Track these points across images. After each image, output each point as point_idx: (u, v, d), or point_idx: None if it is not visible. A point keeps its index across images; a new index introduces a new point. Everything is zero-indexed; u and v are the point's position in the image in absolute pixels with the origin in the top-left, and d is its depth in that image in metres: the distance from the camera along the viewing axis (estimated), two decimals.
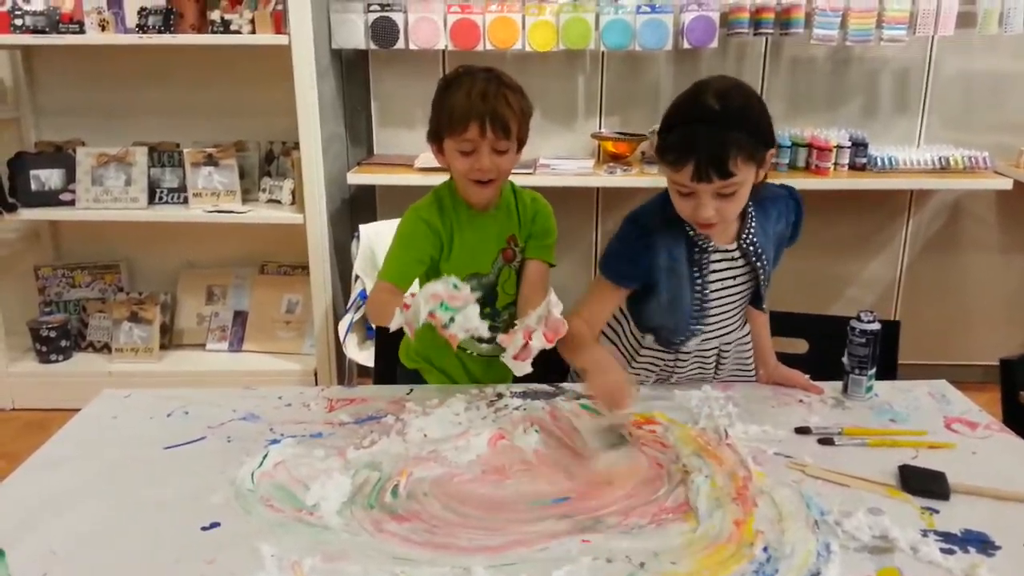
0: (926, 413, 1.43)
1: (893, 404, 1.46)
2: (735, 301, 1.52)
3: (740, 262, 1.47)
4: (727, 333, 1.55)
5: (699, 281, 1.45)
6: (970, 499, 1.15)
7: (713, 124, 1.27)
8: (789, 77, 2.99)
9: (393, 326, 1.34)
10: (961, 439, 1.34)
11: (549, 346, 1.30)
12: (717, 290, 1.47)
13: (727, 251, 1.46)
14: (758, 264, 1.46)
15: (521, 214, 1.60)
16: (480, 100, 1.42)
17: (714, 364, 1.58)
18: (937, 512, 1.12)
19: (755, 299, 1.54)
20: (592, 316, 1.47)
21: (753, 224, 1.45)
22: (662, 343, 1.53)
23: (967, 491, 1.17)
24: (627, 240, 1.45)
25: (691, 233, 1.42)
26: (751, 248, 1.45)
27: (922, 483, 1.18)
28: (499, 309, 1.60)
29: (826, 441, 1.32)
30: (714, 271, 1.46)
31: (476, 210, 1.55)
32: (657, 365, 1.57)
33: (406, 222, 1.55)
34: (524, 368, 1.31)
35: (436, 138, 1.51)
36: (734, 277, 1.48)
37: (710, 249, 1.44)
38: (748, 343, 1.62)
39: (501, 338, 1.32)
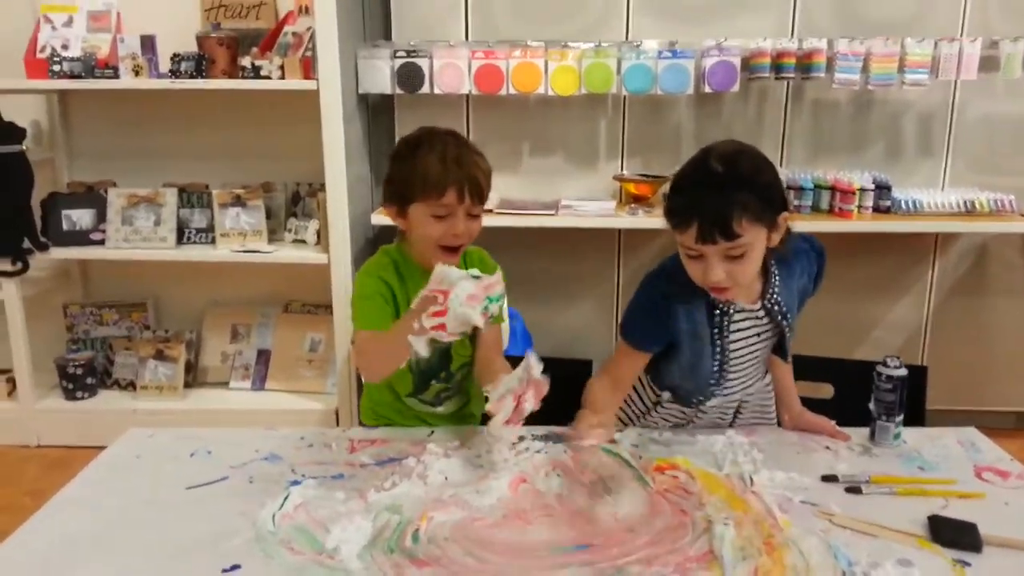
0: (956, 461, 1.40)
1: (922, 452, 1.43)
2: (757, 358, 1.50)
3: (764, 320, 1.46)
4: (748, 387, 1.54)
5: (719, 344, 1.43)
6: (1003, 552, 1.13)
7: (717, 186, 1.28)
8: (811, 120, 3.00)
9: (424, 353, 1.30)
10: (992, 488, 1.31)
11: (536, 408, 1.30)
12: (738, 350, 1.46)
13: (751, 311, 1.44)
14: (783, 322, 1.45)
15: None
16: (456, 165, 1.42)
17: (733, 413, 1.57)
18: (969, 565, 1.10)
19: (778, 350, 1.53)
20: (619, 378, 1.47)
21: (777, 284, 1.43)
22: (680, 401, 1.53)
23: (1000, 543, 1.14)
24: (646, 306, 1.43)
25: (711, 298, 1.40)
26: (775, 308, 1.44)
27: (953, 534, 1.15)
28: (453, 371, 1.60)
29: (854, 489, 1.30)
30: (736, 331, 1.44)
31: (429, 271, 1.51)
32: (676, 416, 1.56)
33: (366, 282, 1.50)
34: (511, 431, 1.30)
35: (401, 201, 1.47)
36: (758, 335, 1.47)
37: (732, 311, 1.42)
38: (769, 394, 1.60)
39: (489, 407, 1.30)
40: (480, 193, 1.45)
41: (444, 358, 1.57)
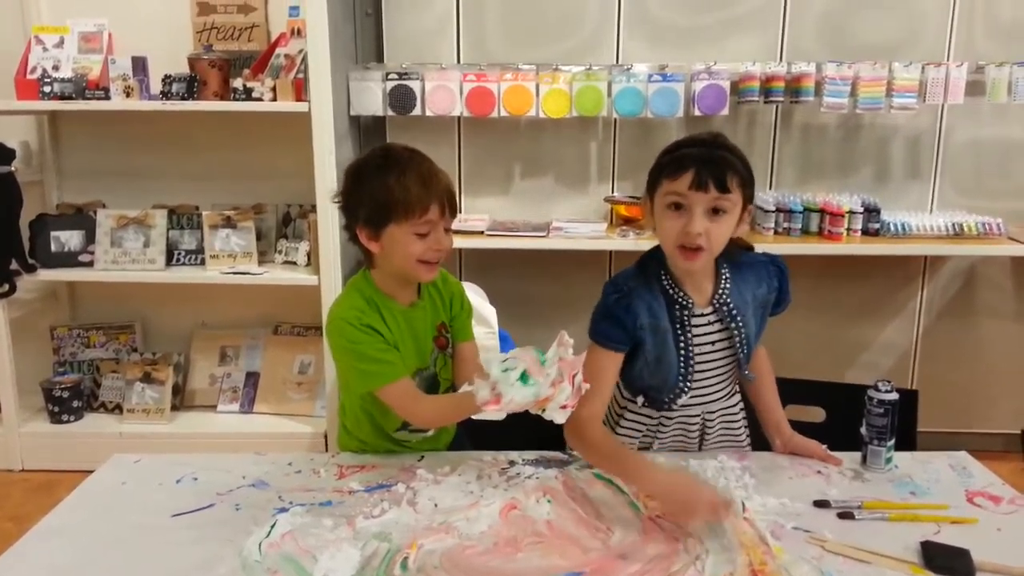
0: (947, 486, 1.40)
1: (913, 476, 1.43)
2: (718, 365, 1.51)
3: (716, 325, 1.48)
4: (711, 401, 1.54)
5: (682, 337, 1.46)
6: None
7: (714, 146, 1.38)
8: (800, 143, 3.02)
9: (493, 410, 1.28)
10: (984, 514, 1.31)
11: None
12: (701, 352, 1.48)
13: (703, 314, 1.47)
14: (733, 326, 1.47)
15: (442, 299, 1.59)
16: (435, 181, 1.43)
17: (698, 434, 1.56)
18: None
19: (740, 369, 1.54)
20: (601, 391, 1.44)
21: (727, 285, 1.47)
22: (652, 404, 1.53)
23: (993, 570, 1.13)
24: (608, 304, 1.46)
25: (670, 292, 1.45)
26: (725, 308, 1.46)
27: (946, 561, 1.15)
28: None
29: (846, 515, 1.29)
30: (697, 331, 1.47)
31: (404, 306, 1.51)
32: (639, 430, 1.55)
33: (351, 336, 1.43)
34: (566, 415, 1.28)
35: (376, 224, 1.43)
36: (712, 343, 1.49)
37: (691, 305, 1.45)
38: (736, 415, 1.60)
39: (548, 391, 1.26)
40: (455, 207, 1.47)
41: (432, 385, 1.57)
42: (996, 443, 3.06)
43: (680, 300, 1.45)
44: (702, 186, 1.34)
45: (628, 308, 1.43)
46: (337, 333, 1.46)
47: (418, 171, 1.42)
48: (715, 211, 1.36)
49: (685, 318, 1.45)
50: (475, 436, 1.68)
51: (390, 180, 1.41)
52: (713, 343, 1.49)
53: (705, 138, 1.41)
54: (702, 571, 1.13)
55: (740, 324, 1.48)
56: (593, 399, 1.38)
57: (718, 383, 1.53)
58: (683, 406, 1.52)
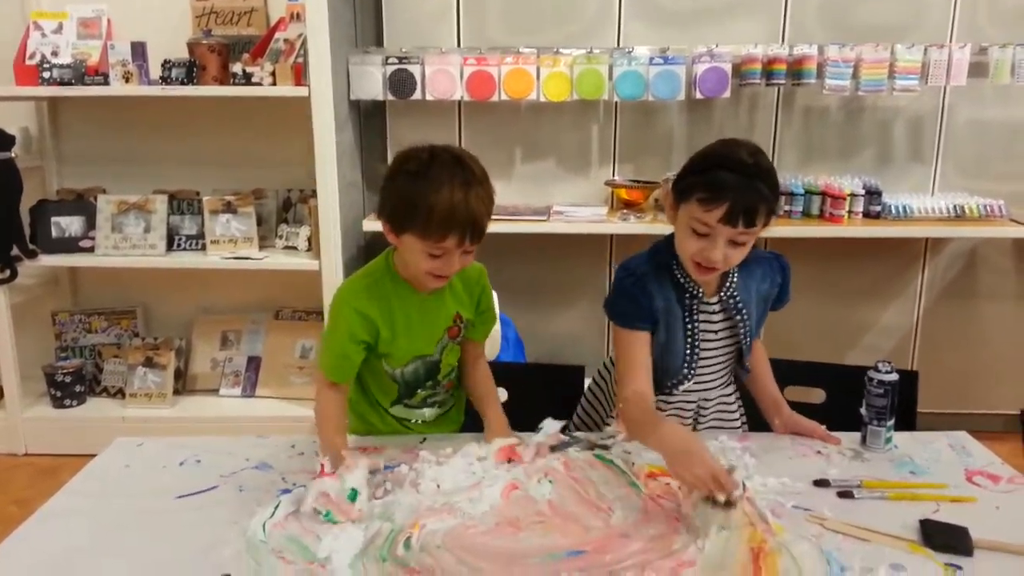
0: (946, 465, 1.41)
1: (913, 456, 1.44)
2: (720, 355, 1.54)
3: (720, 316, 1.51)
4: (710, 388, 1.56)
5: (689, 325, 1.48)
6: (995, 556, 1.13)
7: (752, 176, 1.34)
8: (802, 126, 3.01)
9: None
10: (983, 493, 1.31)
11: None
12: (706, 340, 1.51)
13: (710, 304, 1.49)
14: (739, 319, 1.50)
15: (467, 291, 1.54)
16: (464, 208, 1.32)
17: (692, 420, 1.58)
18: (961, 569, 1.10)
19: (740, 361, 1.57)
20: (638, 369, 1.44)
21: (735, 280, 1.49)
22: (654, 386, 1.53)
23: (991, 547, 1.14)
24: (625, 287, 1.47)
25: (681, 281, 1.46)
26: (731, 302, 1.49)
27: (945, 538, 1.16)
28: (440, 380, 1.59)
29: (845, 494, 1.30)
30: (703, 320, 1.50)
31: (420, 293, 1.48)
32: None
33: (340, 313, 1.45)
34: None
35: (395, 226, 1.38)
36: (716, 332, 1.51)
37: (700, 294, 1.47)
38: (732, 403, 1.63)
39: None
40: (480, 233, 1.37)
41: (431, 370, 1.55)
42: (995, 424, 3.07)
43: (690, 289, 1.47)
44: (731, 222, 1.34)
45: (644, 290, 1.45)
46: (333, 305, 1.48)
47: (450, 194, 1.31)
48: (736, 242, 1.37)
49: (694, 307, 1.48)
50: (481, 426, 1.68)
51: (419, 192, 1.32)
52: (717, 332, 1.51)
53: (744, 161, 1.35)
54: (702, 549, 1.14)
55: (745, 316, 1.50)
56: (634, 378, 1.41)
57: (718, 372, 1.56)
58: (684, 391, 1.54)
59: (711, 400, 1.58)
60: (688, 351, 1.49)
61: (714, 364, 1.54)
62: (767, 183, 1.35)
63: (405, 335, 1.48)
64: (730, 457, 1.41)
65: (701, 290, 1.47)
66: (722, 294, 1.49)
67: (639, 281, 1.46)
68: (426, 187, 1.32)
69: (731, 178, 1.34)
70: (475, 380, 1.60)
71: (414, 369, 1.53)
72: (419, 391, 1.57)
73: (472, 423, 1.64)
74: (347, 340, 1.44)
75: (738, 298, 1.49)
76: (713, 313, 1.50)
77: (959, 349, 3.13)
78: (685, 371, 1.50)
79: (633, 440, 1.40)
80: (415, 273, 1.43)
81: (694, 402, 1.57)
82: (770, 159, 1.41)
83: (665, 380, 1.52)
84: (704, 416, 1.59)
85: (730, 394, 1.62)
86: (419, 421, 1.61)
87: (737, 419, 1.64)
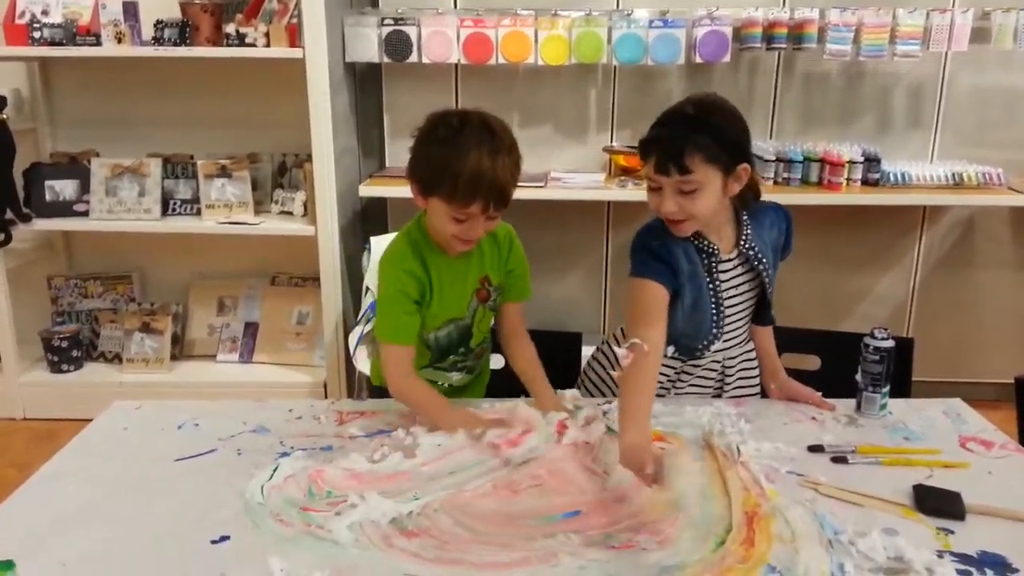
0: (940, 432, 1.42)
1: (907, 422, 1.45)
2: (742, 310, 1.56)
3: (741, 268, 1.52)
4: (733, 346, 1.58)
5: (711, 284, 1.49)
6: (986, 520, 1.14)
7: (679, 124, 1.41)
8: (802, 92, 2.98)
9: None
10: (976, 459, 1.32)
11: None
12: (729, 297, 1.52)
13: (729, 259, 1.51)
14: (760, 268, 1.52)
15: (495, 253, 1.55)
16: (490, 175, 1.34)
17: (719, 381, 1.59)
18: (953, 533, 1.11)
19: (760, 313, 1.58)
20: (658, 323, 1.42)
21: (749, 231, 1.51)
22: (683, 352, 1.55)
23: (983, 512, 1.15)
24: (652, 247, 1.47)
25: (695, 241, 1.48)
26: (751, 253, 1.51)
27: (937, 503, 1.17)
28: (472, 347, 1.60)
29: (839, 459, 1.31)
30: (725, 277, 1.51)
31: (450, 257, 1.50)
32: (659, 382, 1.56)
33: (389, 277, 1.48)
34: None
35: (424, 189, 1.41)
36: (737, 286, 1.53)
37: (717, 251, 1.49)
38: (752, 360, 1.64)
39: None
40: (506, 201, 1.39)
41: (464, 335, 1.57)
42: (989, 392, 3.08)
43: (707, 248, 1.48)
44: (664, 170, 1.39)
45: (670, 252, 1.46)
46: (381, 272, 1.50)
47: (478, 161, 1.34)
48: (683, 191, 1.39)
49: (713, 264, 1.49)
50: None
51: (447, 157, 1.35)
52: (737, 287, 1.53)
53: (678, 111, 1.42)
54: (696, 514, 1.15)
55: (766, 264, 1.52)
56: (647, 325, 1.40)
57: (740, 329, 1.58)
58: (712, 353, 1.55)
59: (735, 358, 1.59)
60: (714, 309, 1.51)
61: (737, 320, 1.56)
62: (702, 128, 1.37)
63: (439, 296, 1.50)
64: (725, 423, 1.42)
65: (717, 247, 1.49)
66: (741, 246, 1.50)
67: (664, 244, 1.47)
68: (454, 153, 1.35)
69: (661, 131, 1.42)
70: (519, 354, 1.57)
71: (447, 333, 1.54)
72: (451, 356, 1.59)
73: (497, 389, 1.66)
74: (404, 299, 1.46)
75: (756, 248, 1.51)
76: (732, 269, 1.52)
77: (955, 318, 3.14)
78: (715, 331, 1.52)
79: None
80: (440, 237, 1.46)
81: (719, 362, 1.58)
82: (728, 108, 1.44)
83: (695, 343, 1.54)
84: (729, 376, 1.60)
85: (751, 350, 1.63)
86: (446, 384, 1.62)
87: (756, 376, 1.65)
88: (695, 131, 1.37)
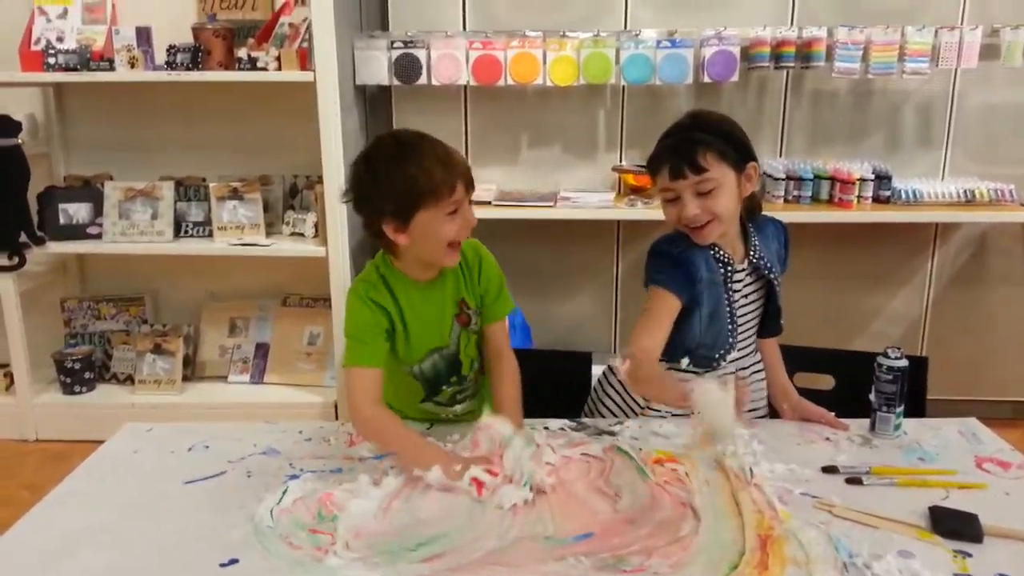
0: (956, 452, 1.40)
1: (922, 443, 1.43)
2: (753, 319, 1.59)
3: (750, 278, 1.56)
4: (745, 356, 1.60)
5: (726, 294, 1.52)
6: (1005, 543, 1.12)
7: (684, 130, 1.48)
8: (811, 110, 2.98)
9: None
10: (993, 479, 1.31)
11: None
12: (742, 307, 1.56)
13: (742, 269, 1.54)
14: (771, 276, 1.55)
15: (466, 272, 1.52)
16: (453, 160, 1.40)
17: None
18: (970, 556, 1.09)
19: (766, 324, 1.61)
20: (661, 329, 1.46)
21: (756, 242, 1.55)
22: (699, 363, 1.55)
23: (1001, 534, 1.13)
24: (673, 254, 1.50)
25: (710, 251, 1.51)
26: (761, 263, 1.54)
27: (954, 525, 1.15)
28: (465, 375, 1.57)
29: (854, 481, 1.29)
30: (736, 289, 1.54)
31: (420, 283, 1.48)
32: None
33: (355, 307, 1.46)
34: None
35: (404, 215, 1.38)
36: (748, 295, 1.56)
37: (732, 262, 1.52)
38: (761, 371, 1.64)
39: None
40: (473, 182, 1.44)
41: (452, 364, 1.54)
42: (1005, 411, 3.06)
43: (722, 258, 1.51)
44: (680, 175, 1.44)
45: (691, 260, 1.48)
46: (348, 305, 1.48)
47: (435, 154, 1.38)
48: (702, 193, 1.44)
49: (728, 275, 1.52)
50: None
51: (411, 169, 1.36)
52: (748, 297, 1.56)
53: (681, 122, 1.49)
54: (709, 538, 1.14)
55: (776, 273, 1.56)
56: (650, 335, 1.44)
57: (750, 339, 1.60)
58: (727, 363, 1.56)
59: (746, 368, 1.60)
60: (730, 319, 1.53)
61: (748, 330, 1.59)
62: (706, 130, 1.44)
63: (415, 324, 1.47)
64: (737, 444, 1.40)
65: (732, 258, 1.52)
66: (751, 256, 1.54)
67: (684, 252, 1.49)
68: (415, 159, 1.38)
69: (668, 140, 1.48)
70: (498, 377, 1.53)
71: (432, 363, 1.52)
72: (445, 388, 1.56)
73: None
74: (368, 325, 1.44)
75: (765, 259, 1.55)
76: (744, 279, 1.55)
77: (969, 335, 3.11)
78: (731, 340, 1.54)
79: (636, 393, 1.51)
80: (435, 253, 1.43)
81: (732, 373, 1.56)
82: (724, 116, 1.51)
83: (713, 353, 1.54)
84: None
85: (759, 361, 1.65)
86: (450, 416, 1.60)
87: (764, 388, 1.65)
88: (699, 132, 1.44)
